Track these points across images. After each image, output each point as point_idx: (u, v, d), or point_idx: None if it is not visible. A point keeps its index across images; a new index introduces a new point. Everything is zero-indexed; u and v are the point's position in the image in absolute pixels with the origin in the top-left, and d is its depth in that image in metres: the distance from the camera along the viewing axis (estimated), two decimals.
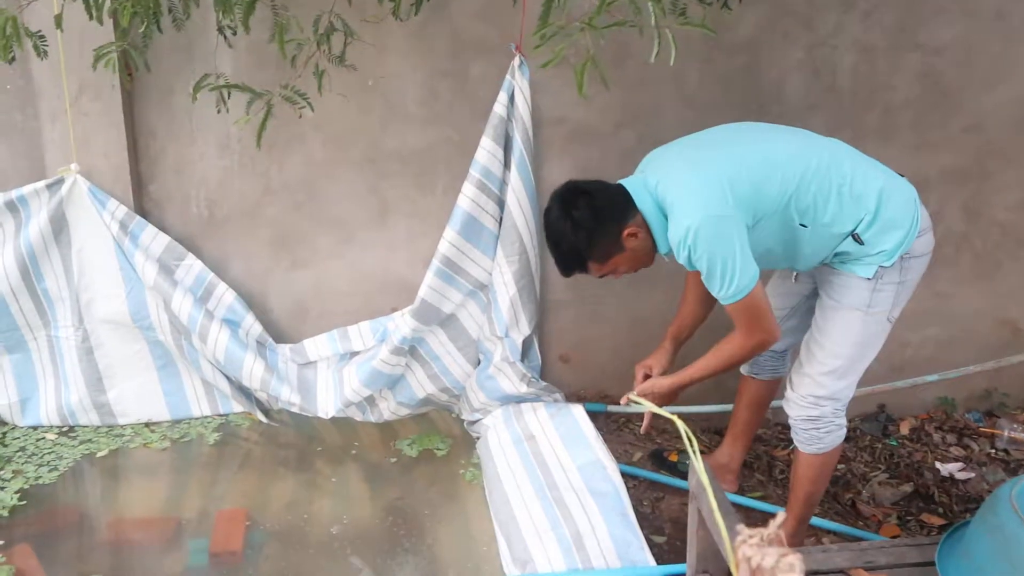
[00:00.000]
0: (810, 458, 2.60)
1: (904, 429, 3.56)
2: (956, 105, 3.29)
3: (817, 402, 2.51)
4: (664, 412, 1.10)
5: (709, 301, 2.69)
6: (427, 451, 3.28)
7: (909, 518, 3.06)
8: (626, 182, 2.43)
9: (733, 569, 0.91)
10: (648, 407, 1.08)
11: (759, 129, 2.51)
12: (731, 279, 2.26)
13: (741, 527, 0.91)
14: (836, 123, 3.23)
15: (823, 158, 2.34)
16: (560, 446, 2.90)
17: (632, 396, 2.51)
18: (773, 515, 2.78)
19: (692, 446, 1.03)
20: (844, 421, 2.57)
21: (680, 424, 1.03)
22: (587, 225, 2.38)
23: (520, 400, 3.25)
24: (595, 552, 2.41)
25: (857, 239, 2.34)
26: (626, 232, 2.38)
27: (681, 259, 2.34)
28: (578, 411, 3.13)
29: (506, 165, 3.17)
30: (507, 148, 3.15)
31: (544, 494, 2.67)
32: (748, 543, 0.90)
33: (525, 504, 2.67)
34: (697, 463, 1.05)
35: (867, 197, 2.32)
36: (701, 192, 2.27)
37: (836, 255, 2.41)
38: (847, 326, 2.44)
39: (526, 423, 3.09)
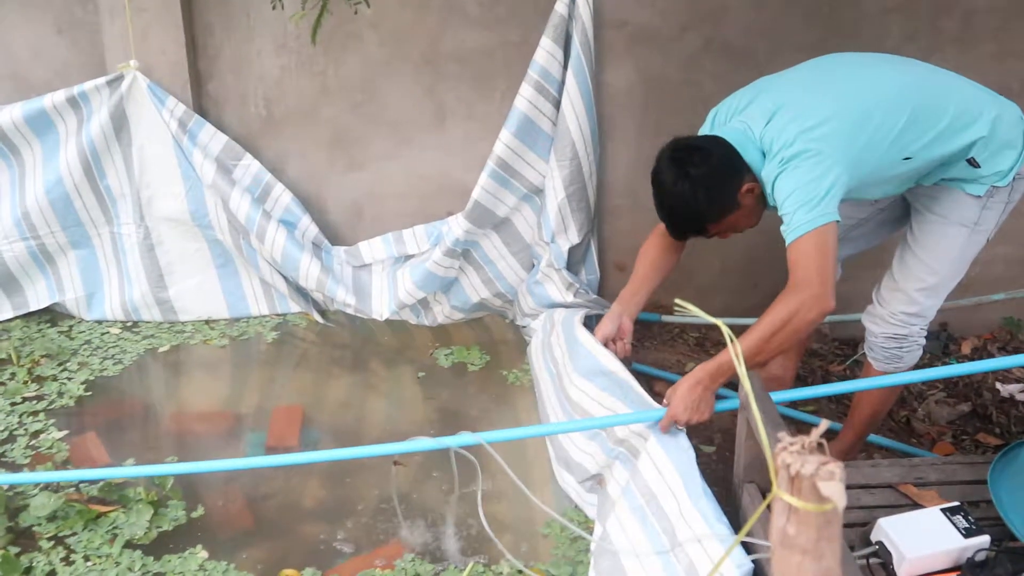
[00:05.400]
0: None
1: (966, 349, 3.49)
2: None
3: (908, 320, 2.44)
4: (714, 320, 1.08)
5: (669, 258, 2.65)
6: (460, 364, 3.26)
7: (964, 437, 3.02)
8: (726, 134, 2.25)
9: (772, 476, 0.89)
10: (697, 313, 1.05)
11: (858, 63, 2.34)
12: (806, 208, 2.08)
13: (782, 434, 0.89)
14: (911, 29, 3.08)
15: (931, 87, 2.24)
16: (566, 350, 2.79)
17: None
18: (834, 432, 2.72)
19: (738, 356, 1.01)
20: (924, 341, 2.51)
21: (727, 332, 1.00)
22: (707, 183, 2.20)
23: (565, 307, 3.20)
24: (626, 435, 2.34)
25: (973, 163, 2.24)
26: (744, 188, 2.23)
27: (768, 186, 2.20)
28: (580, 326, 2.87)
29: (565, 67, 3.09)
30: (567, 50, 3.07)
31: (564, 402, 2.66)
32: (788, 450, 0.88)
33: (553, 406, 2.70)
34: (741, 370, 1.03)
35: (979, 123, 2.22)
36: (812, 131, 2.11)
37: (943, 178, 2.31)
38: (951, 242, 2.35)
39: (553, 327, 3.03)
